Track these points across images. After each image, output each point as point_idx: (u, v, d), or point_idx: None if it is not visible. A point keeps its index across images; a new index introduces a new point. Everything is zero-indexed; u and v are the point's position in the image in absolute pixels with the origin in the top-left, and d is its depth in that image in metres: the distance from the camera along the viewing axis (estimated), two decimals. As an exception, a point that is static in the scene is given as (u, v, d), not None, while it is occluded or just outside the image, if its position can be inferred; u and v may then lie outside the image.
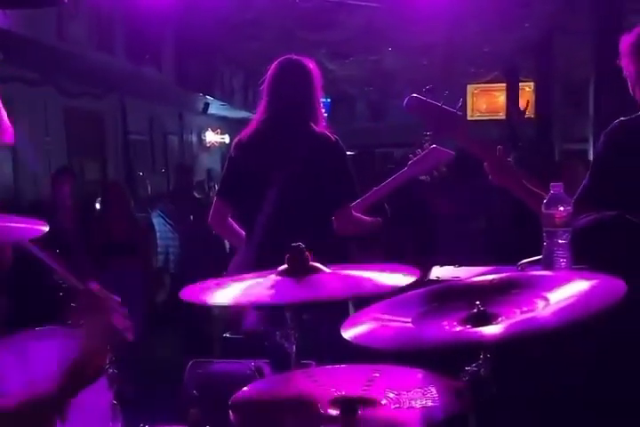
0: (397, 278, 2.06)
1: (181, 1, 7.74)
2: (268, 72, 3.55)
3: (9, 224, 2.53)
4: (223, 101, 12.13)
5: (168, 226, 7.37)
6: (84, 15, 7.28)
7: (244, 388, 2.06)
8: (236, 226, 3.59)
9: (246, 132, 3.54)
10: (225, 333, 4.63)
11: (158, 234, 7.11)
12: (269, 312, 3.17)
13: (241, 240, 3.59)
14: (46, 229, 2.50)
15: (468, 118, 13.09)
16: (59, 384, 1.57)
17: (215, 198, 3.61)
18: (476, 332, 1.67)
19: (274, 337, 2.44)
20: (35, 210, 4.46)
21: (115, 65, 8.09)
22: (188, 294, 2.14)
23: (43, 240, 2.55)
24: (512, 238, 5.29)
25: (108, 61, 7.91)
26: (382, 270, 2.17)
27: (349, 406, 1.77)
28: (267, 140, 3.45)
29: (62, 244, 5.46)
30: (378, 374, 1.97)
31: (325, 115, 3.76)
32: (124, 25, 8.32)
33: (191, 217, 7.31)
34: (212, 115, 13.16)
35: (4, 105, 3.78)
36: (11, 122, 3.70)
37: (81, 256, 6.03)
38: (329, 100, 11.64)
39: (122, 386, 2.31)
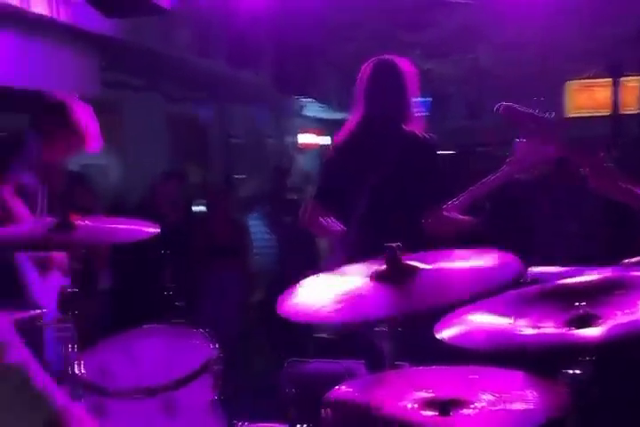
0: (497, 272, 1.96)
1: (279, 4, 7.87)
2: (362, 74, 3.60)
3: (118, 226, 2.70)
4: (320, 103, 12.23)
5: (265, 228, 7.51)
6: (188, 21, 7.49)
7: (338, 387, 2.10)
8: (327, 223, 3.61)
9: (341, 135, 3.61)
10: (319, 333, 4.71)
11: (255, 236, 7.25)
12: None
13: (334, 237, 3.64)
14: (157, 230, 2.64)
15: (568, 116, 12.76)
16: None
17: (310, 199, 3.68)
18: (577, 334, 1.64)
19: (367, 337, 2.48)
20: (141, 212, 4.64)
21: (215, 70, 8.29)
22: (286, 308, 2.09)
23: (154, 242, 2.69)
24: (607, 240, 5.19)
25: (209, 66, 8.11)
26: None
27: (445, 407, 1.78)
28: (360, 143, 3.50)
29: (170, 245, 5.68)
30: (474, 376, 1.96)
31: (424, 114, 3.77)
32: (225, 30, 8.50)
33: (287, 219, 7.43)
34: (308, 117, 13.27)
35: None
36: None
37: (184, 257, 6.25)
38: (429, 99, 11.56)
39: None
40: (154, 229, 2.63)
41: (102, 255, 4.81)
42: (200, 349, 2.42)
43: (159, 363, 2.51)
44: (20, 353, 1.33)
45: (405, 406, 1.88)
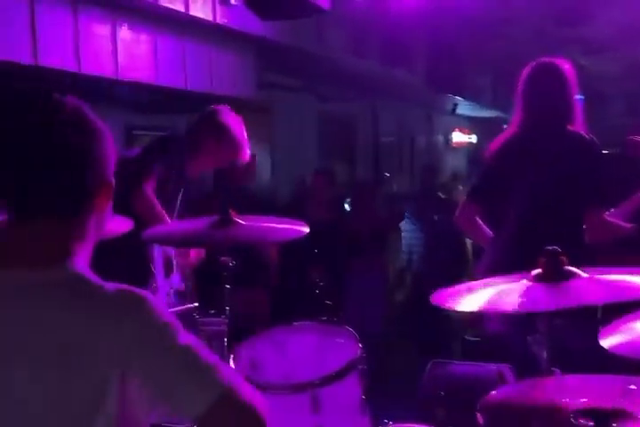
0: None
1: (433, 3, 7.83)
2: (522, 76, 3.55)
3: (273, 225, 2.78)
4: (471, 101, 12.09)
5: (413, 226, 7.49)
6: (342, 23, 7.59)
7: (493, 392, 2.09)
8: (482, 225, 3.60)
9: (503, 136, 3.58)
10: (465, 334, 4.66)
11: (403, 234, 7.25)
12: (517, 317, 3.16)
13: (486, 239, 3.61)
14: (307, 230, 2.71)
15: None
16: None
17: (465, 198, 3.65)
18: None
19: (520, 342, 2.45)
20: (291, 211, 4.75)
21: (368, 69, 8.35)
22: (439, 298, 2.18)
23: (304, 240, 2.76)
24: None
25: (363, 66, 8.18)
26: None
27: (603, 418, 1.74)
28: (523, 144, 3.46)
29: (320, 244, 5.78)
30: (634, 387, 1.90)
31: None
32: (379, 30, 8.56)
33: (435, 217, 7.38)
34: (459, 115, 13.15)
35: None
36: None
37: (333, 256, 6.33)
38: (583, 97, 11.23)
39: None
40: (306, 229, 2.69)
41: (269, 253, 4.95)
42: (346, 347, 2.45)
43: (307, 359, 2.56)
44: (187, 335, 1.40)
45: (561, 414, 1.85)
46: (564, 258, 2.13)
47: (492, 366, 3.51)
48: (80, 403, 1.35)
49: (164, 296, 3.67)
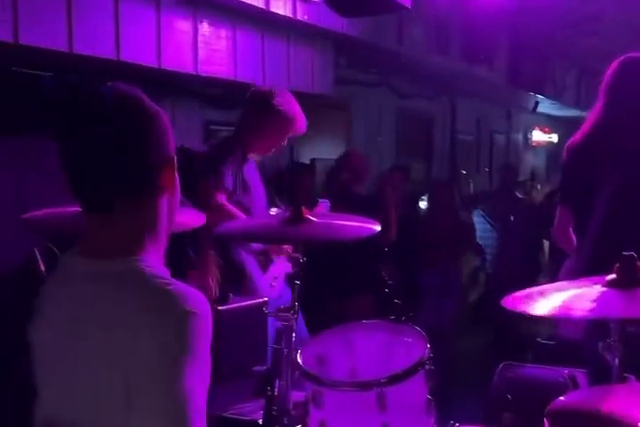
0: None
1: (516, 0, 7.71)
2: (608, 71, 3.42)
3: (344, 223, 2.78)
4: (553, 100, 11.86)
5: (488, 225, 7.42)
6: (423, 19, 7.54)
7: (561, 397, 2.06)
8: (573, 237, 3.51)
9: (578, 136, 3.46)
10: (538, 337, 4.59)
11: (478, 233, 7.19)
12: (590, 322, 3.09)
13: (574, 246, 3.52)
14: (378, 228, 2.70)
15: None
16: None
17: (558, 207, 3.55)
18: None
19: (594, 347, 2.40)
20: (367, 207, 4.75)
21: (448, 66, 8.28)
22: (511, 302, 2.16)
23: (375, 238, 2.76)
24: None
25: (443, 63, 8.12)
26: None
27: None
28: (601, 144, 3.34)
29: (387, 239, 5.78)
30: None
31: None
32: (460, 26, 8.47)
33: (511, 217, 7.29)
34: (540, 113, 12.91)
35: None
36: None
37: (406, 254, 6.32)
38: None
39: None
40: (377, 227, 2.69)
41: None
42: (414, 346, 2.45)
43: (375, 357, 2.56)
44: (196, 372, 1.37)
45: (632, 423, 1.81)
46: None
47: (565, 371, 3.45)
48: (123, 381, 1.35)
49: (268, 289, 3.76)
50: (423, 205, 7.65)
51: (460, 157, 10.29)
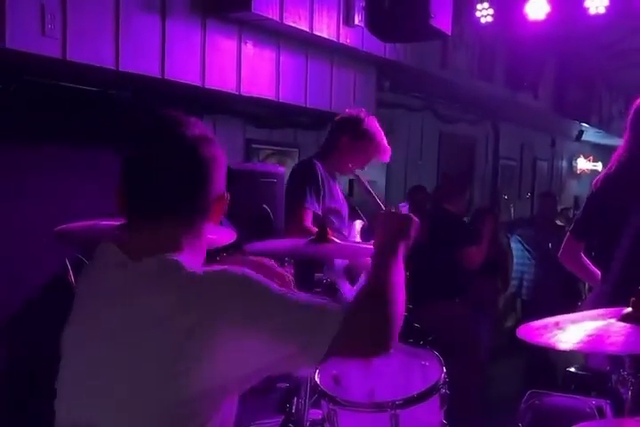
0: None
1: (563, 28, 7.71)
2: (635, 105, 3.45)
3: (366, 245, 2.83)
4: (599, 128, 11.78)
5: (526, 252, 7.37)
6: (467, 45, 7.59)
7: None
8: (588, 263, 3.53)
9: (609, 167, 3.48)
10: (569, 366, 4.56)
11: (515, 259, 7.15)
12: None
13: (594, 277, 3.52)
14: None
15: None
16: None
17: (568, 234, 3.57)
18: None
19: (612, 379, 2.41)
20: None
21: (492, 92, 8.30)
22: (526, 332, 2.17)
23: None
24: None
25: (487, 89, 8.14)
26: None
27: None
28: (628, 175, 3.35)
29: (418, 252, 5.81)
30: None
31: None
32: (505, 53, 8.50)
33: (549, 245, 7.23)
34: (585, 141, 12.83)
35: (388, 128, 4.18)
36: (390, 143, 4.10)
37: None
38: None
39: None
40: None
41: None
42: (431, 370, 2.48)
43: (391, 379, 2.60)
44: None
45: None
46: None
47: (592, 401, 3.43)
48: (163, 347, 1.47)
49: None
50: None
51: (502, 182, 10.27)
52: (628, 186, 3.33)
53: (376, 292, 1.60)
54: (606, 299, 3.28)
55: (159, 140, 1.62)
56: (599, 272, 3.46)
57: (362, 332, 1.52)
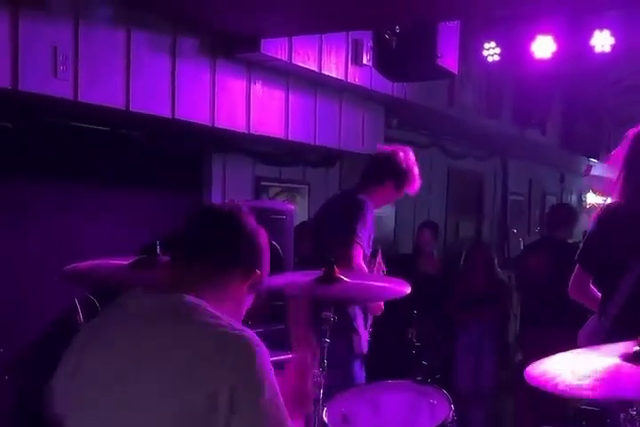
0: None
1: (570, 66, 7.76)
2: (626, 140, 3.46)
3: (376, 284, 2.85)
4: (607, 163, 11.81)
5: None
6: (474, 83, 7.66)
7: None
8: (595, 293, 3.53)
9: (613, 202, 3.49)
10: (580, 402, 4.53)
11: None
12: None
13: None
14: (408, 290, 2.76)
15: None
16: None
17: (577, 266, 3.57)
18: None
19: (617, 415, 2.39)
20: (405, 264, 4.85)
21: (500, 129, 8.36)
22: (532, 374, 2.13)
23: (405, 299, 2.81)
24: None
25: (494, 126, 8.20)
26: None
27: None
28: (628, 212, 3.36)
29: (423, 289, 5.83)
30: None
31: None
32: (512, 90, 8.57)
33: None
34: (594, 176, 12.85)
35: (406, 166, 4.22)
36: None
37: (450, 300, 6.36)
38: None
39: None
40: (407, 289, 2.74)
41: None
42: (439, 408, 2.48)
43: (399, 418, 2.60)
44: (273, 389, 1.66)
45: None
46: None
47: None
48: (191, 412, 1.57)
49: (365, 342, 4.00)
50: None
51: (511, 217, 10.28)
52: (624, 227, 3.32)
53: None
54: (605, 333, 3.28)
55: (228, 226, 1.89)
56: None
57: None
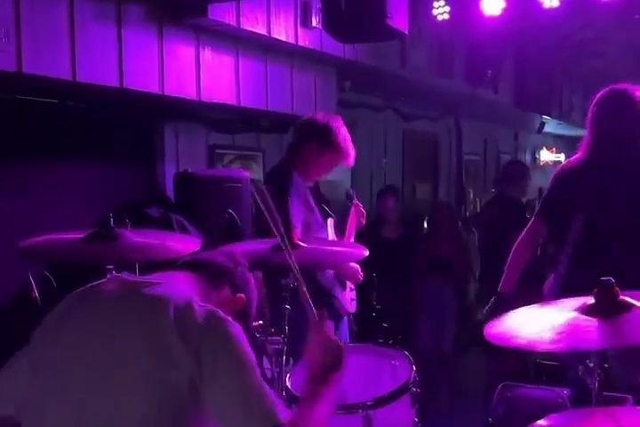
0: None
1: (519, 22, 7.78)
2: (594, 100, 3.56)
3: (333, 248, 2.85)
4: (560, 120, 11.89)
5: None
6: (425, 43, 7.63)
7: (540, 421, 2.10)
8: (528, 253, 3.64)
9: (571, 160, 3.59)
10: (538, 357, 4.62)
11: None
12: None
13: (512, 267, 3.65)
14: (366, 253, 2.77)
15: None
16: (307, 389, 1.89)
17: (533, 217, 3.68)
18: None
19: (575, 369, 2.44)
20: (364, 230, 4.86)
21: (453, 89, 8.35)
22: (492, 334, 2.17)
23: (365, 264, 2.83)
24: None
25: (447, 86, 8.18)
26: None
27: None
28: (588, 169, 3.45)
29: (385, 253, 5.85)
30: None
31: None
32: (463, 49, 8.55)
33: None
34: (547, 133, 12.95)
35: (350, 129, 4.19)
36: (353, 142, 4.10)
37: (404, 267, 6.41)
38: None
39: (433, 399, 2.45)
40: (365, 252, 2.75)
41: None
42: (401, 370, 2.50)
43: (361, 381, 2.61)
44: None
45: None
46: (617, 290, 2.12)
47: (564, 391, 3.48)
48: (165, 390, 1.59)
49: (350, 304, 4.03)
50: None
51: (467, 177, 10.34)
52: (586, 178, 3.41)
53: None
54: (561, 281, 3.37)
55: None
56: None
57: None
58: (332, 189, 6.01)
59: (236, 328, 1.72)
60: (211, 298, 1.89)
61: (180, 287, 1.84)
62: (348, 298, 4.04)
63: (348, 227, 4.29)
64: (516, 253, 3.70)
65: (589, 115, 3.57)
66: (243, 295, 1.99)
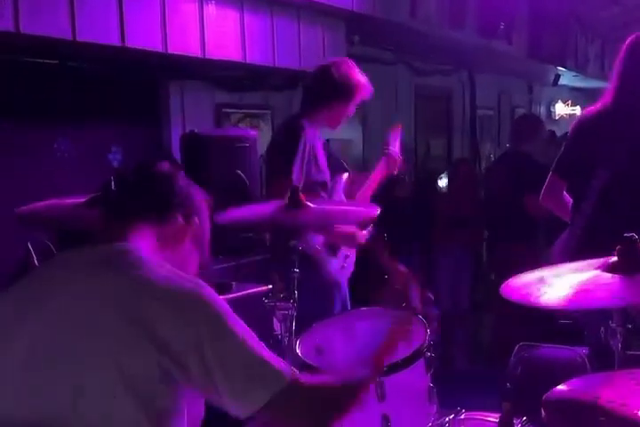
0: None
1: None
2: (624, 45, 3.40)
3: (342, 208, 2.76)
4: (576, 72, 11.65)
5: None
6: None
7: (560, 386, 2.02)
8: (569, 200, 3.49)
9: (590, 111, 3.46)
10: (556, 317, 4.55)
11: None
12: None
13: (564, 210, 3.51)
14: (377, 212, 2.67)
15: None
16: (372, 364, 1.86)
17: (551, 173, 3.53)
18: None
19: (596, 329, 2.36)
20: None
21: (465, 41, 8.13)
22: (510, 290, 2.10)
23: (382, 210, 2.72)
24: None
25: (459, 38, 7.97)
26: None
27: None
28: (608, 122, 3.32)
29: (400, 213, 5.77)
30: None
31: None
32: (476, 0, 8.33)
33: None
34: (563, 86, 12.69)
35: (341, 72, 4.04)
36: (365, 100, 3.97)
37: (419, 226, 6.31)
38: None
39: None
40: (376, 211, 2.66)
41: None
42: (414, 334, 2.42)
43: (373, 345, 2.53)
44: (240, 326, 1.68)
45: (631, 410, 1.78)
46: (640, 246, 2.03)
47: (582, 350, 3.41)
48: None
49: (339, 271, 3.84)
50: (442, 183, 7.58)
51: (480, 132, 10.18)
52: (608, 131, 3.29)
53: (335, 403, 1.72)
54: (576, 241, 3.27)
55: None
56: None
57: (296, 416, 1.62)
58: (344, 148, 5.91)
59: (207, 291, 1.65)
60: (167, 243, 1.84)
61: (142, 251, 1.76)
62: (338, 265, 3.84)
63: (372, 176, 4.14)
64: (550, 205, 3.56)
65: (617, 61, 3.40)
66: (192, 225, 1.91)
